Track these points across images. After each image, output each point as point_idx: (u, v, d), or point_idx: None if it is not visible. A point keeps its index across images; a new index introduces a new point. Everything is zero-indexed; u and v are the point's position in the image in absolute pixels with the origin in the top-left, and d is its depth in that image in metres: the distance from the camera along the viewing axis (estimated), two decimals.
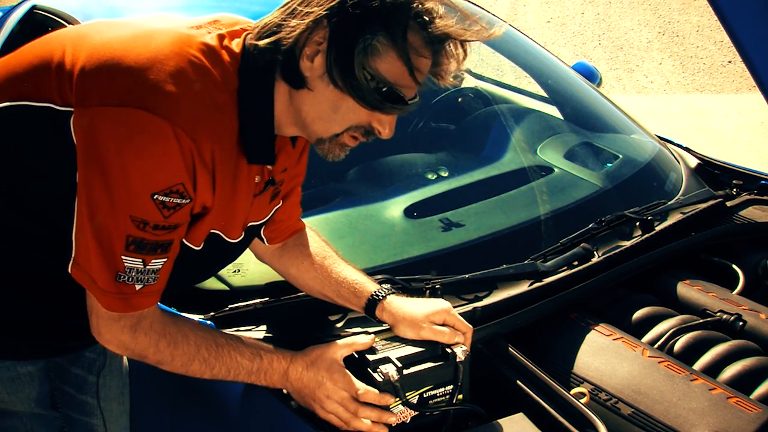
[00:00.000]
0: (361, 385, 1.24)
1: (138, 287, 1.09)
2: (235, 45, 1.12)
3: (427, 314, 1.34)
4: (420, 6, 1.06)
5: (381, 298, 1.38)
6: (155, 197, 1.03)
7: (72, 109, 1.04)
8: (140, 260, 1.07)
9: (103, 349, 1.37)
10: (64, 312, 1.23)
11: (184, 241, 1.15)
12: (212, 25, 1.15)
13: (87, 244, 1.06)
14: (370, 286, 1.41)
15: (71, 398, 1.40)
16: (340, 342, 1.29)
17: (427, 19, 1.07)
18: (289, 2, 1.11)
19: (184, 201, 1.06)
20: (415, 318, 1.34)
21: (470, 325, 1.38)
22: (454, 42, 1.11)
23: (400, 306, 1.36)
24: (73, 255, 1.08)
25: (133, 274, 1.08)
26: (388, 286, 1.42)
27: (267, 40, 1.09)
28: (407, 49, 1.07)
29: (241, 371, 1.22)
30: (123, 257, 1.06)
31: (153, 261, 1.09)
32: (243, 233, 1.27)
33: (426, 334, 1.33)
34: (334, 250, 1.48)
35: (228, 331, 1.44)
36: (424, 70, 1.12)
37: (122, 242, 1.04)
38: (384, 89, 1.09)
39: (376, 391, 1.24)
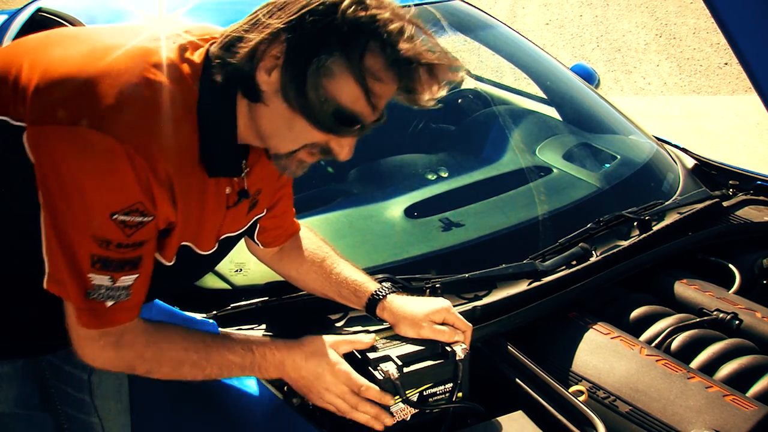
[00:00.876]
0: (363, 381, 1.24)
1: (109, 304, 1.06)
2: (197, 56, 1.08)
3: (427, 313, 1.35)
4: (383, 26, 1.00)
5: (381, 297, 1.39)
6: (114, 217, 1.00)
7: (24, 125, 1.01)
8: (108, 277, 1.05)
9: None
10: (38, 311, 1.21)
11: (156, 255, 1.13)
12: (179, 36, 1.11)
13: (57, 262, 1.04)
14: (370, 285, 1.42)
15: (68, 396, 1.40)
16: (341, 338, 1.29)
17: (389, 40, 1.00)
18: (255, 12, 1.07)
19: (146, 219, 1.04)
20: (415, 317, 1.35)
21: (470, 324, 1.39)
22: (426, 66, 1.03)
23: (401, 305, 1.37)
24: (46, 270, 1.06)
25: (103, 291, 1.05)
26: (389, 285, 1.43)
27: (227, 52, 1.05)
28: (364, 73, 1.01)
29: (233, 368, 1.20)
30: (90, 275, 1.04)
31: (122, 278, 1.06)
32: (216, 245, 1.25)
33: (426, 333, 1.33)
34: (332, 249, 1.48)
35: (229, 329, 1.46)
36: (385, 95, 1.06)
37: (87, 261, 1.03)
38: (338, 112, 1.04)
39: (377, 388, 1.24)
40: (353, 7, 0.99)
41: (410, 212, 1.89)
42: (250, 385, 1.36)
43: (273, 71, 1.03)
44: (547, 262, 1.70)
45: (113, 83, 0.99)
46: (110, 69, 1.01)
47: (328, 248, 1.48)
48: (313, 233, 1.51)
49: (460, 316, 1.38)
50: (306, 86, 1.01)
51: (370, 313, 1.40)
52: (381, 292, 1.39)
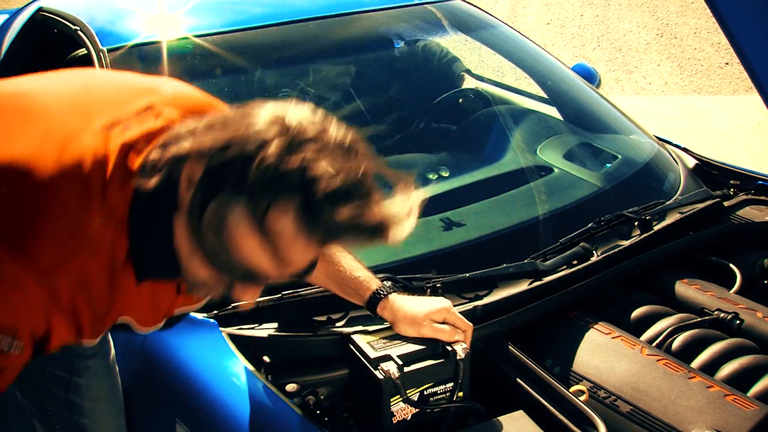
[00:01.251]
0: None
1: None
2: (138, 160, 0.97)
3: (427, 312, 1.35)
4: (309, 181, 0.84)
5: (383, 296, 1.39)
6: None
7: None
8: None
9: (80, 352, 1.39)
10: None
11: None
12: (136, 118, 1.00)
13: None
14: (372, 283, 1.41)
15: (57, 397, 1.40)
16: None
17: (311, 200, 0.84)
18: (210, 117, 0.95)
19: (11, 350, 0.93)
20: (415, 316, 1.35)
21: (470, 323, 1.39)
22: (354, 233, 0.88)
23: (402, 304, 1.37)
24: None
25: None
26: (390, 284, 1.43)
27: (159, 160, 0.93)
28: (267, 230, 0.86)
29: None
30: None
31: None
32: (163, 322, 1.18)
33: (426, 332, 1.34)
34: None
35: (231, 329, 1.46)
36: (296, 258, 0.90)
37: None
38: (233, 264, 0.90)
39: None
40: (280, 152, 0.85)
41: None
42: (252, 384, 1.36)
43: (190, 188, 0.91)
44: (548, 262, 1.70)
45: (41, 195, 0.91)
46: (42, 176, 0.91)
47: None
48: None
49: (461, 316, 1.38)
50: (202, 225, 0.89)
51: (370, 310, 1.40)
52: (382, 291, 1.39)
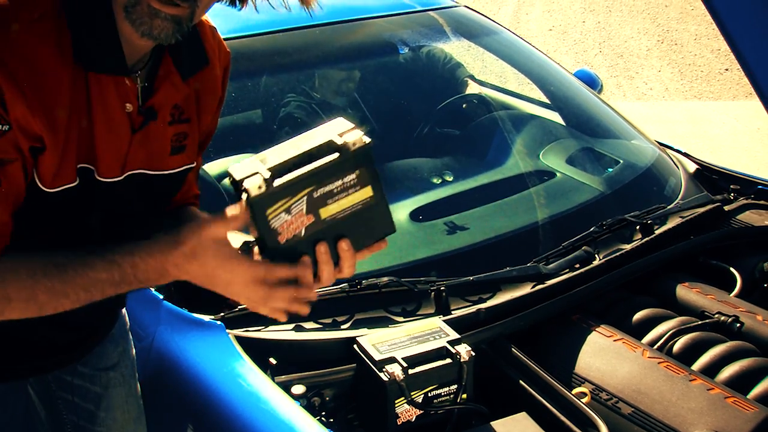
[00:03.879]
0: (263, 267, 1.02)
1: None
2: None
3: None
4: None
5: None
6: None
7: None
8: None
9: (100, 363, 1.39)
10: (47, 329, 1.14)
11: (37, 182, 1.01)
12: None
13: None
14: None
15: (75, 406, 1.40)
16: (215, 224, 1.03)
17: None
18: None
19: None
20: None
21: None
22: None
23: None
24: None
25: None
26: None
27: None
28: None
29: (103, 286, 1.02)
30: None
31: None
32: (123, 176, 1.10)
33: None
34: None
35: (238, 331, 1.47)
36: None
37: None
38: None
39: (286, 267, 1.03)
40: None
41: (416, 215, 1.89)
42: (258, 386, 1.37)
43: None
44: (551, 265, 1.72)
45: None
46: None
47: None
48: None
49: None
50: None
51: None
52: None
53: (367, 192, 1.01)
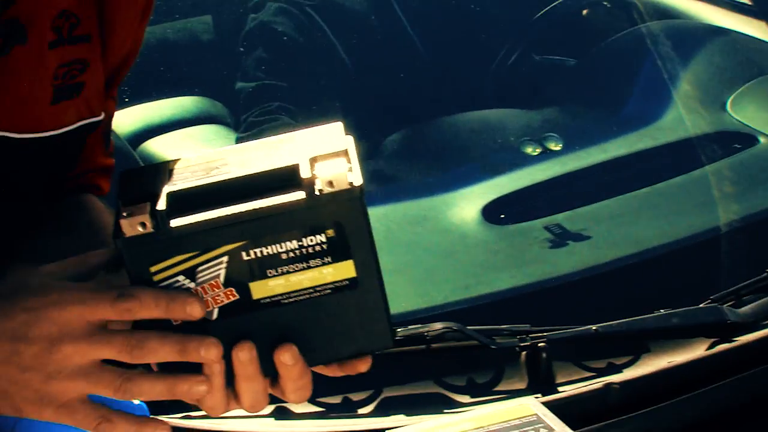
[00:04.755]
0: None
1: None
2: None
3: None
4: None
5: None
6: None
7: None
8: None
9: None
10: None
11: None
12: None
13: None
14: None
15: None
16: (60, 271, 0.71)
17: None
18: None
19: None
20: None
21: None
22: None
23: None
24: None
25: None
26: None
27: None
28: None
29: None
30: None
31: None
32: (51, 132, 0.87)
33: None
34: None
35: (165, 418, 1.16)
36: None
37: None
38: None
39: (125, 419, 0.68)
40: None
41: (492, 213, 1.52)
42: None
43: None
44: (744, 309, 1.31)
45: None
46: None
47: None
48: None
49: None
50: None
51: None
52: None
53: (345, 269, 0.70)
